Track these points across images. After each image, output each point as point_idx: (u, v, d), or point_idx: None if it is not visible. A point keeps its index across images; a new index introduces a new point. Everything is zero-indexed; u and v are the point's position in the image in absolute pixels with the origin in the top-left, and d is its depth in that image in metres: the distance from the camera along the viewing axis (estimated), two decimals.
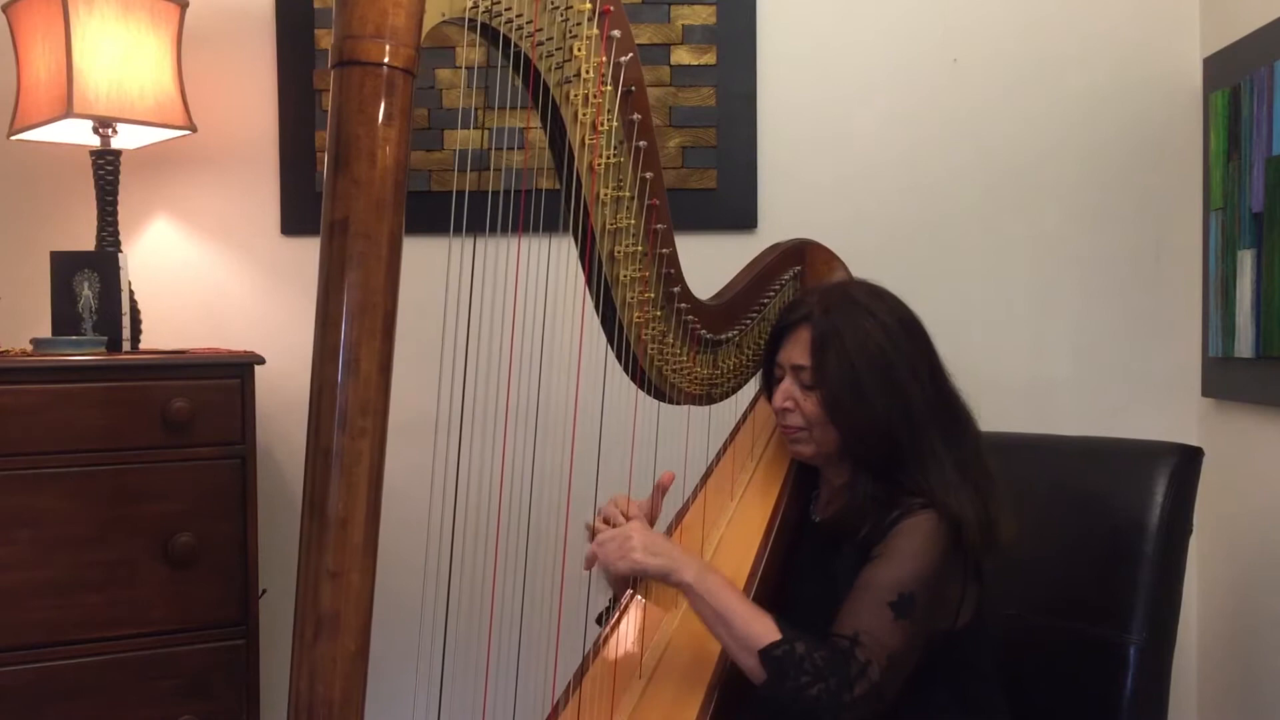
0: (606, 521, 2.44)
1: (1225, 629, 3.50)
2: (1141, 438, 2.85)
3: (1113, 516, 2.63)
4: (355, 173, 1.66)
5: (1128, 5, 3.64)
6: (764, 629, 2.14)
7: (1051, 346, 3.69)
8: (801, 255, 2.81)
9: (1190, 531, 2.64)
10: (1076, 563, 2.69)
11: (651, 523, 2.54)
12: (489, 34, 2.01)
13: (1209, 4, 3.58)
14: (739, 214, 3.65)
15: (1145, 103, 3.64)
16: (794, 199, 3.66)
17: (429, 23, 1.77)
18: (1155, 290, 3.67)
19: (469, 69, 3.45)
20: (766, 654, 2.11)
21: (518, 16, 2.01)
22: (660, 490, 2.52)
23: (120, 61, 3.16)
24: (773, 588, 2.40)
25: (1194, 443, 2.69)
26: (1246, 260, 3.21)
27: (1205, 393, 3.59)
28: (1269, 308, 3.10)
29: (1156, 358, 3.67)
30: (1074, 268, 3.68)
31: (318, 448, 1.69)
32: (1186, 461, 2.63)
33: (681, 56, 3.62)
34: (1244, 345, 3.23)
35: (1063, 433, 3.00)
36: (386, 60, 1.68)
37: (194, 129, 3.34)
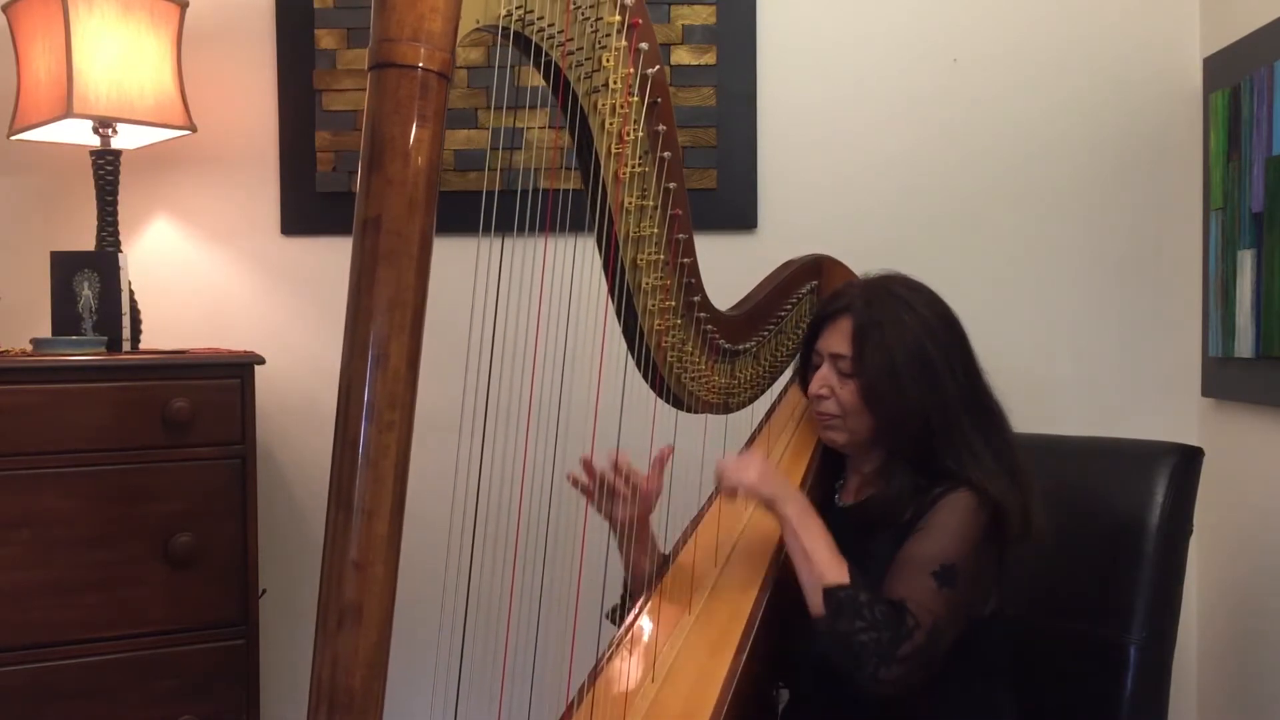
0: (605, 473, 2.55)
1: (1225, 629, 3.51)
2: (1141, 438, 2.86)
3: (1113, 516, 2.65)
4: (389, 172, 1.67)
5: (1128, 5, 3.64)
6: (837, 572, 2.23)
7: (1051, 346, 3.70)
8: (818, 270, 2.85)
9: (1190, 531, 2.65)
10: (1077, 563, 2.69)
11: (650, 502, 2.60)
12: (521, 42, 2.03)
13: (1209, 4, 3.59)
14: (739, 214, 3.65)
15: (1145, 103, 3.65)
16: (794, 199, 3.66)
17: (464, 29, 1.78)
18: (1155, 290, 3.68)
19: (471, 69, 3.45)
20: (830, 593, 2.19)
21: (549, 26, 2.03)
22: (658, 465, 2.56)
23: (120, 61, 3.16)
24: (791, 591, 2.39)
25: (1194, 443, 2.71)
26: (1246, 260, 3.22)
27: (1205, 393, 3.60)
28: (1269, 308, 3.11)
29: (1156, 358, 3.68)
30: (1074, 268, 3.69)
31: (346, 440, 1.70)
32: (1186, 461, 2.64)
33: (681, 56, 3.63)
34: (1244, 345, 3.24)
35: (1063, 433, 3.00)
36: (422, 64, 1.69)
37: (194, 129, 3.34)
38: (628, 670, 2.35)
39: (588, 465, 2.53)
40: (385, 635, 1.75)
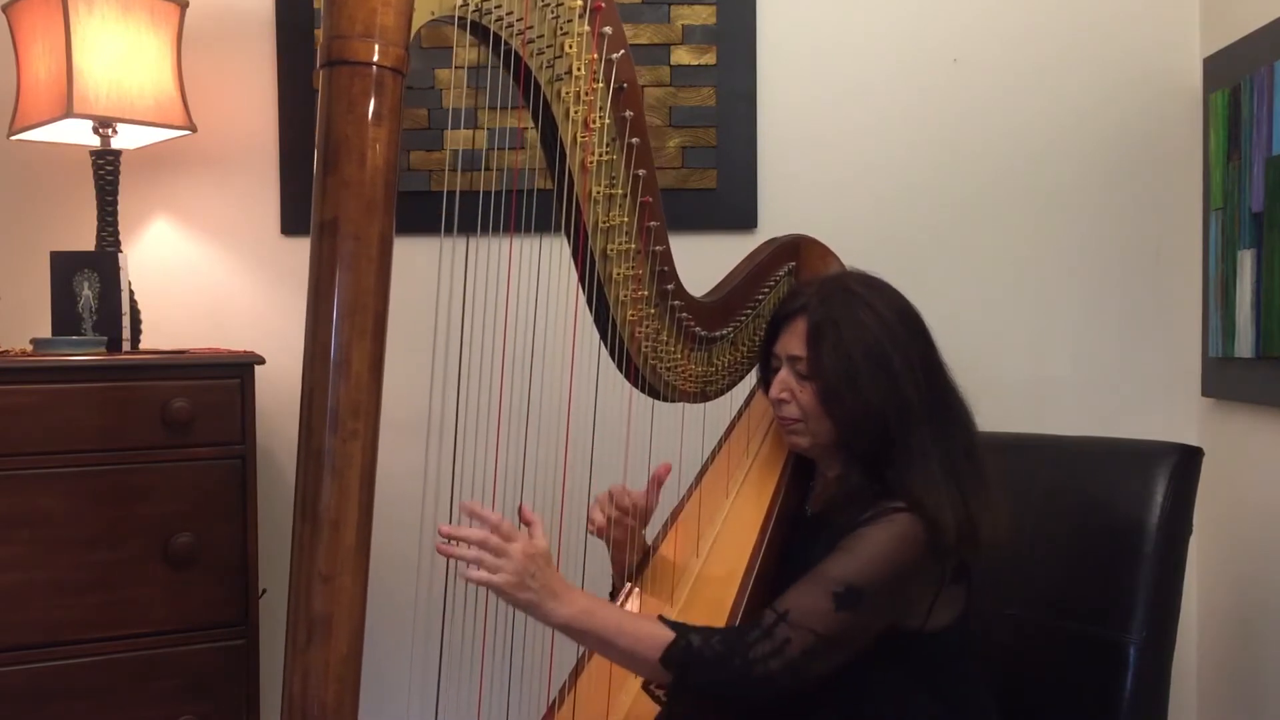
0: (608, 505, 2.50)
1: (1225, 629, 3.50)
2: (1141, 438, 2.85)
3: (1113, 516, 2.63)
4: (345, 173, 1.67)
5: (1128, 5, 3.64)
6: (652, 634, 2.13)
7: (1051, 346, 3.69)
8: (796, 250, 2.81)
9: (1190, 531, 2.63)
10: (1076, 563, 2.69)
11: (647, 517, 2.56)
12: (479, 32, 2.02)
13: (1209, 4, 3.58)
14: (739, 214, 3.65)
15: (1145, 103, 3.64)
16: (794, 199, 3.66)
17: (418, 21, 1.77)
18: (1155, 290, 3.67)
19: (469, 68, 3.45)
20: (667, 658, 2.11)
21: (508, 14, 2.02)
22: (656, 483, 2.53)
23: (120, 61, 3.16)
24: (769, 584, 2.40)
25: (1194, 443, 2.69)
26: (1246, 260, 3.21)
27: (1205, 393, 3.58)
28: (1269, 308, 3.10)
29: (1156, 358, 3.67)
30: (1074, 268, 3.68)
31: (309, 450, 1.70)
32: (1186, 461, 2.62)
33: (681, 56, 3.63)
34: (1244, 345, 3.23)
35: (1063, 433, 2.99)
36: (376, 59, 1.69)
37: (194, 129, 3.34)
38: (609, 668, 2.35)
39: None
40: (356, 647, 1.75)
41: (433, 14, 1.85)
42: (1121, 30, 3.64)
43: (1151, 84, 3.64)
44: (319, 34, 3.51)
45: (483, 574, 2.08)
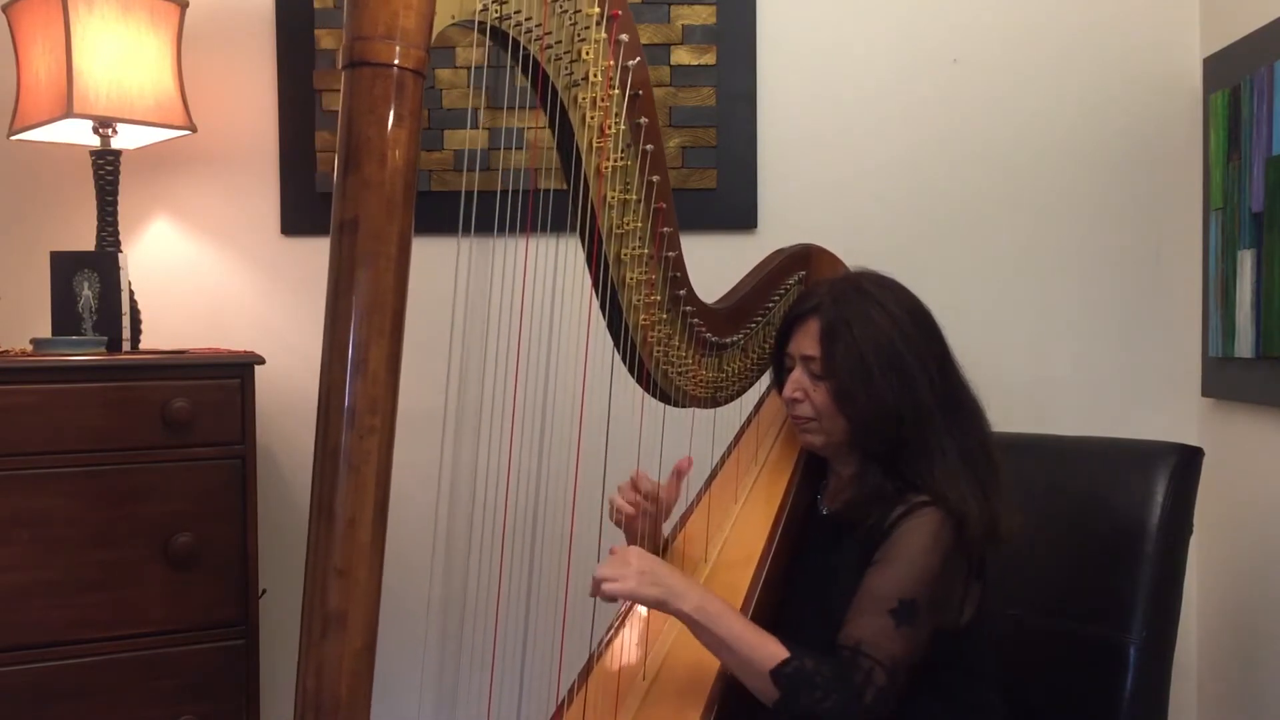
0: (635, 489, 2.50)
1: (1225, 629, 3.50)
2: (1141, 438, 2.85)
3: (1113, 516, 2.64)
4: (365, 173, 1.67)
5: (1128, 5, 3.64)
6: (770, 651, 2.15)
7: (1051, 346, 3.69)
8: (807, 259, 2.81)
9: (1190, 531, 2.63)
10: (1076, 563, 2.69)
11: (668, 510, 2.58)
12: (498, 37, 2.02)
13: (1209, 4, 3.58)
14: (739, 214, 3.65)
15: (1145, 103, 3.64)
16: (794, 199, 3.66)
17: (439, 25, 1.78)
18: (1155, 290, 3.67)
19: (473, 68, 3.45)
20: (778, 673, 2.13)
21: (527, 20, 2.02)
22: (677, 476, 2.53)
23: (120, 61, 3.16)
24: (778, 590, 2.41)
25: (1194, 443, 2.69)
26: (1246, 260, 3.21)
27: (1205, 393, 3.59)
28: (1269, 308, 3.10)
29: (1156, 358, 3.67)
30: (1074, 268, 3.68)
31: (326, 446, 1.69)
32: (1186, 461, 2.63)
33: (681, 56, 3.62)
34: (1244, 345, 3.23)
35: (1063, 433, 2.99)
36: (397, 61, 1.69)
37: (194, 129, 3.34)
38: (619, 666, 2.35)
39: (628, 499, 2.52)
40: (370, 642, 1.75)
41: (453, 18, 1.85)
42: (1121, 30, 3.64)
43: (1151, 84, 3.64)
44: (319, 34, 3.53)
45: (614, 586, 2.17)
